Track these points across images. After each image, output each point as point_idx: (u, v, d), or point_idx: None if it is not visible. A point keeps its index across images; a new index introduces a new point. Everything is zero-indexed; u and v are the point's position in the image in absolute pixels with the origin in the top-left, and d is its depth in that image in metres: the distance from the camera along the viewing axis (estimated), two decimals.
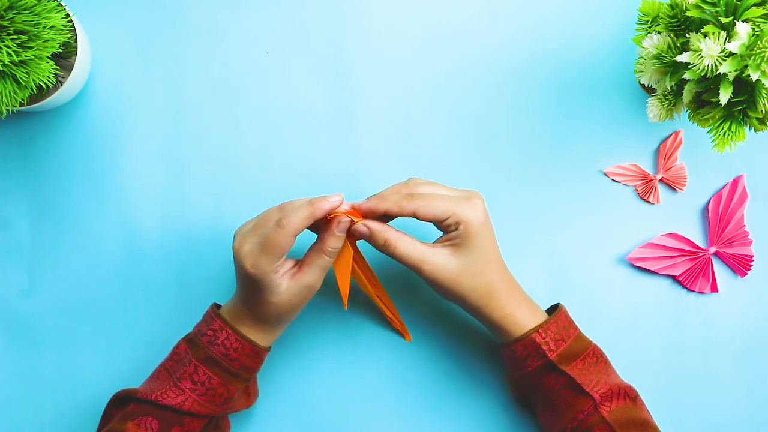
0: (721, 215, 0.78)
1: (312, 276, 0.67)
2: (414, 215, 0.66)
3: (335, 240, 0.66)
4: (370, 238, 0.67)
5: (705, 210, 0.79)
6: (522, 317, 0.69)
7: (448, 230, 0.67)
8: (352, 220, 0.67)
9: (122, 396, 0.69)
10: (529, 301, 0.70)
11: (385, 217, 0.68)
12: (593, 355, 0.69)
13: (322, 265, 0.67)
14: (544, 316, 0.70)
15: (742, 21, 0.60)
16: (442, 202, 0.66)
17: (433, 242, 0.68)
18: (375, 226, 0.67)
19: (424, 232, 0.75)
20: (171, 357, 0.70)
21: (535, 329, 0.68)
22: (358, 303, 0.78)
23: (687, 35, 0.63)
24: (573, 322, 0.71)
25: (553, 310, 0.72)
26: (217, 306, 0.71)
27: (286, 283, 0.66)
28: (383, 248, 0.67)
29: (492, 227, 0.68)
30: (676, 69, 0.63)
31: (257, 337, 0.69)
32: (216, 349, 0.68)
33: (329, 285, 0.77)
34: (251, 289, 0.67)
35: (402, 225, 0.71)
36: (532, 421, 0.77)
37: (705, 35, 0.60)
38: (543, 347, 0.67)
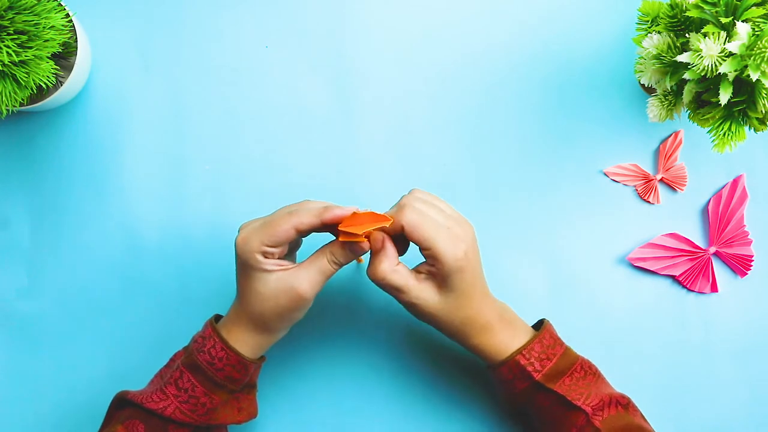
0: (721, 215, 0.78)
1: (306, 274, 0.64)
2: (402, 230, 0.63)
3: (343, 255, 0.65)
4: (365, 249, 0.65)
5: (705, 210, 0.79)
6: (502, 341, 0.67)
7: (426, 259, 0.65)
8: (368, 242, 0.65)
9: (120, 397, 0.69)
10: (513, 322, 0.69)
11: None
12: (581, 370, 0.68)
13: (320, 268, 0.65)
14: (527, 336, 0.68)
15: (742, 21, 0.60)
16: (429, 228, 0.63)
17: (416, 267, 0.66)
18: (376, 236, 0.65)
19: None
20: (168, 362, 0.70)
21: (519, 351, 0.67)
22: (359, 308, 0.78)
23: (687, 35, 0.63)
24: (559, 338, 0.69)
25: (539, 325, 0.70)
26: (219, 317, 0.71)
27: (277, 274, 0.64)
28: (371, 258, 0.65)
29: (476, 260, 0.66)
30: (676, 69, 0.63)
31: (247, 343, 0.67)
32: (202, 356, 0.66)
33: (332, 290, 0.77)
34: (241, 273, 0.66)
35: None
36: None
37: (705, 35, 0.60)
38: (528, 368, 0.66)
